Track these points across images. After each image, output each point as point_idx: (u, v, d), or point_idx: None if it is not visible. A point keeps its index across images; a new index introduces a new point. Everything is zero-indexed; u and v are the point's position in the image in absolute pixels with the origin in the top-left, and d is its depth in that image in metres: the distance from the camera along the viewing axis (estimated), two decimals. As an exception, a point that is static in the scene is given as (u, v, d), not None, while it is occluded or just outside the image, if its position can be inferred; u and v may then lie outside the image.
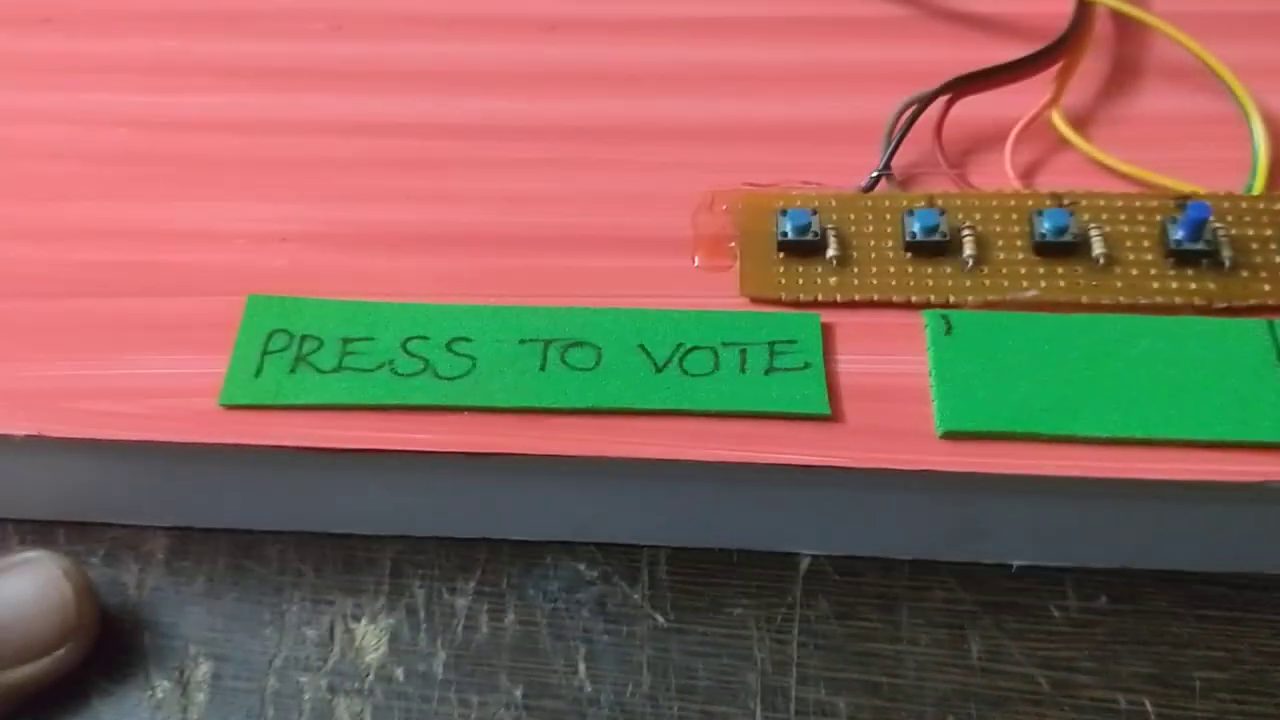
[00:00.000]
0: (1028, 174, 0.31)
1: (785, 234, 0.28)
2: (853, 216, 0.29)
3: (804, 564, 0.29)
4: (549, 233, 0.30)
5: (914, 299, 0.28)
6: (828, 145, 0.32)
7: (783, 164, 0.31)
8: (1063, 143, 0.31)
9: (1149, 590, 0.28)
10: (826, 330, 0.28)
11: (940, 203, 0.29)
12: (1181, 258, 0.28)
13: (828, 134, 0.32)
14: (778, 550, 0.29)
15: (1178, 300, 0.28)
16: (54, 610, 0.25)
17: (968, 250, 0.28)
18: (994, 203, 0.29)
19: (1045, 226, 0.28)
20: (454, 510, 0.28)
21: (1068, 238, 0.28)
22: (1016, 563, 0.28)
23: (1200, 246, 0.28)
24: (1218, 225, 0.28)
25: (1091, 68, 0.33)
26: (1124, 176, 0.30)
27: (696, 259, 0.29)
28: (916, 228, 0.28)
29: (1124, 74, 0.33)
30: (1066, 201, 0.29)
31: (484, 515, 0.28)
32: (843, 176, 0.31)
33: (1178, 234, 0.28)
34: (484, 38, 0.35)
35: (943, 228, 0.28)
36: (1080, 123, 0.32)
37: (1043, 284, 0.28)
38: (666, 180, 0.31)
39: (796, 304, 0.28)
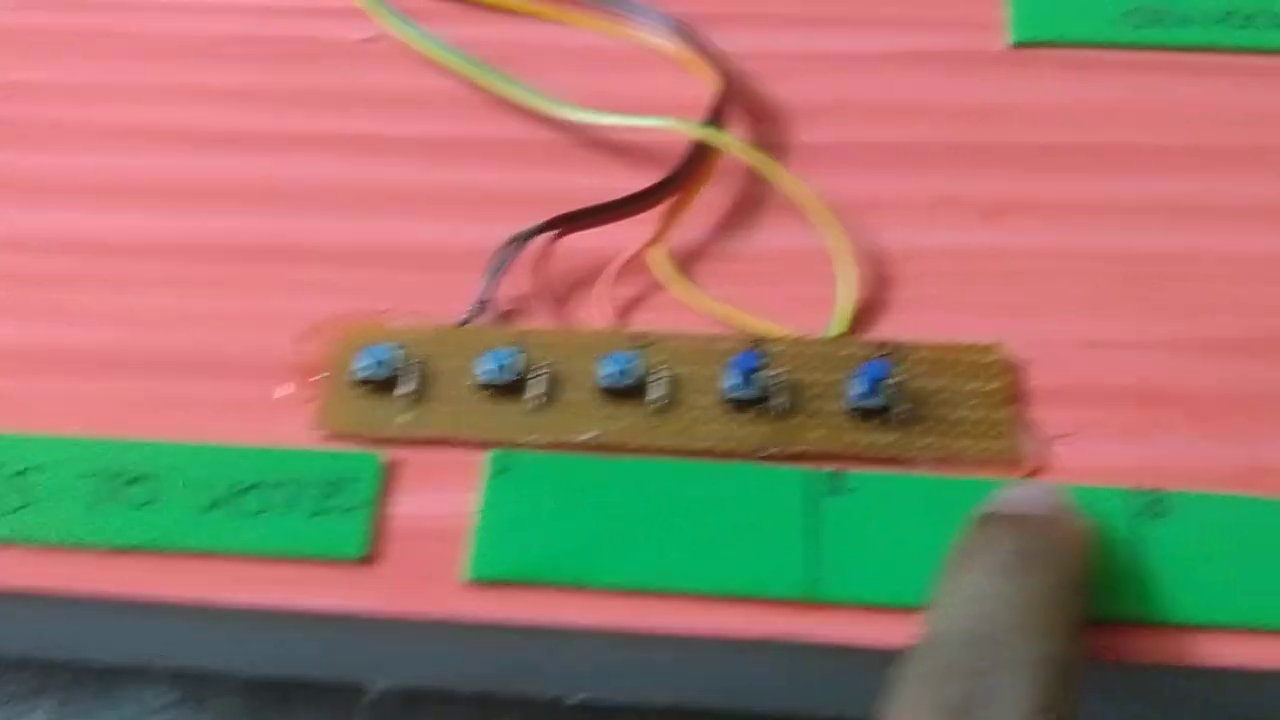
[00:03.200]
0: (629, 310, 0.31)
1: (362, 369, 0.29)
2: (439, 351, 0.30)
3: (371, 695, 0.29)
4: (142, 357, 0.31)
5: (484, 438, 0.28)
6: (449, 273, 0.32)
7: (397, 290, 0.32)
8: (661, 281, 0.31)
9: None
10: (394, 468, 0.28)
11: (522, 341, 0.30)
12: (738, 403, 0.28)
13: (443, 259, 0.32)
14: (347, 680, 0.28)
15: (730, 445, 0.28)
16: None
17: (537, 390, 0.29)
18: (574, 342, 0.30)
19: (607, 369, 0.28)
20: (23, 633, 0.28)
21: (629, 381, 0.28)
22: (576, 696, 0.28)
23: (752, 394, 0.28)
24: (779, 370, 0.28)
25: (708, 202, 0.33)
26: (717, 317, 0.30)
27: (288, 389, 0.29)
28: (488, 367, 0.28)
29: (738, 210, 0.33)
30: (642, 343, 0.30)
31: (56, 637, 0.28)
32: (461, 303, 0.31)
33: (731, 380, 0.28)
34: (117, 149, 0.35)
35: (516, 367, 0.28)
36: (690, 258, 0.32)
37: (604, 426, 0.28)
38: (274, 302, 0.31)
39: (370, 441, 0.28)
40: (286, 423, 0.29)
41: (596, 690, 0.28)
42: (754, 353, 0.28)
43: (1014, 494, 0.26)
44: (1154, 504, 0.27)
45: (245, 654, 0.29)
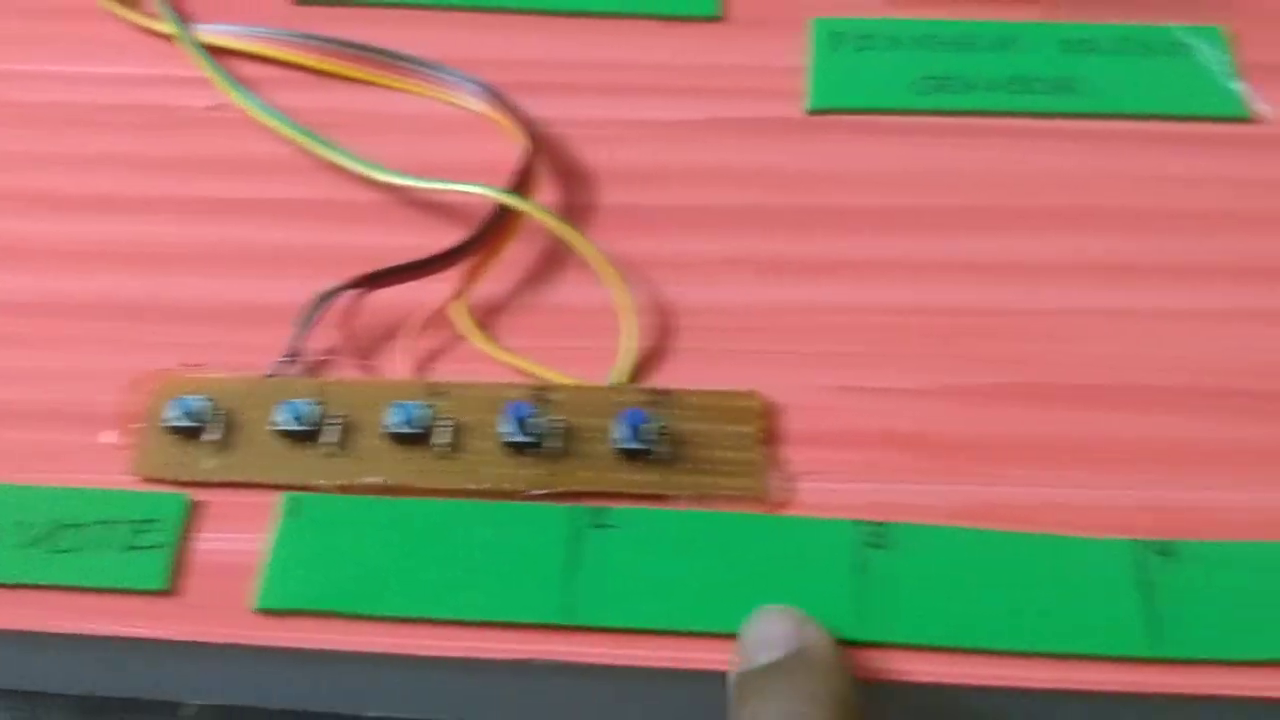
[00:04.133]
0: (431, 362, 0.34)
1: (174, 417, 0.31)
2: (245, 402, 0.33)
3: (188, 711, 0.31)
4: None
5: (279, 481, 0.31)
6: (262, 325, 0.35)
7: (219, 344, 0.35)
8: (464, 333, 0.34)
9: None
10: (198, 509, 0.31)
11: (321, 391, 0.33)
12: (515, 447, 0.31)
13: (263, 314, 0.35)
14: (160, 699, 0.31)
15: (507, 486, 0.31)
16: None
17: (331, 437, 0.31)
18: (369, 392, 0.33)
19: (394, 418, 0.31)
20: None
21: (415, 428, 0.31)
22: (372, 714, 0.31)
23: (527, 439, 0.31)
24: (557, 416, 0.31)
25: (514, 259, 0.36)
26: (509, 366, 0.33)
27: (111, 436, 0.32)
28: (284, 416, 0.31)
29: (541, 268, 0.36)
30: (433, 393, 0.33)
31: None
32: (266, 357, 0.34)
33: (507, 426, 0.31)
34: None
35: (311, 416, 0.31)
36: (494, 312, 0.35)
37: (391, 470, 0.31)
38: (104, 357, 0.34)
39: (180, 483, 0.31)
40: (108, 467, 0.32)
41: (388, 709, 0.31)
42: (526, 402, 0.31)
43: (760, 635, 0.28)
44: (878, 535, 0.30)
45: (73, 676, 0.31)
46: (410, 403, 0.31)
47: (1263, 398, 0.33)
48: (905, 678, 0.29)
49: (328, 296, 0.33)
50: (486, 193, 0.35)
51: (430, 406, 0.32)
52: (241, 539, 0.31)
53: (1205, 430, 0.32)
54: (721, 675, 0.29)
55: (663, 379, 0.33)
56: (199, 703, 0.31)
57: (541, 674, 0.29)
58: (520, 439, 0.31)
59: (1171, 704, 0.29)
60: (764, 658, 0.27)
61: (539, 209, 0.35)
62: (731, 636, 0.29)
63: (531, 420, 0.31)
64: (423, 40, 0.41)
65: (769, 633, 0.28)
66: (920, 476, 0.31)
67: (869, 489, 0.31)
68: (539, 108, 0.39)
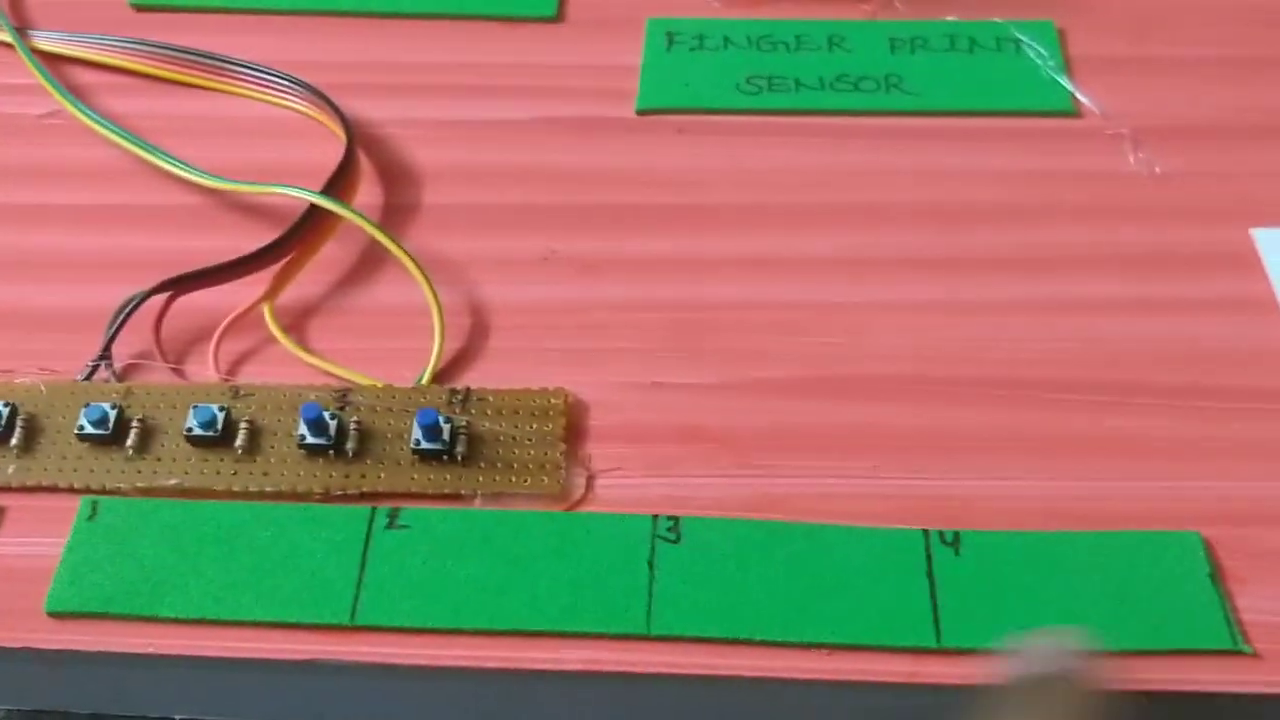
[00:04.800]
0: (239, 363, 0.34)
1: (-26, 424, 0.31)
2: (50, 407, 0.33)
3: (-3, 718, 0.31)
4: None
5: (79, 485, 0.31)
6: (78, 331, 0.35)
7: (33, 349, 0.35)
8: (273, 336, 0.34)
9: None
10: (-1, 514, 0.31)
11: (126, 395, 0.33)
12: (310, 449, 0.31)
13: (79, 320, 0.35)
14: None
15: (303, 487, 0.31)
16: None
17: (130, 440, 0.31)
18: (172, 395, 0.33)
19: (193, 420, 0.31)
20: None
21: (213, 431, 0.31)
22: (176, 717, 0.31)
23: (323, 441, 0.31)
24: (356, 418, 0.31)
25: (333, 261, 0.37)
26: (318, 369, 0.33)
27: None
28: (85, 420, 0.31)
29: (358, 269, 0.36)
30: (235, 395, 0.33)
31: None
32: (79, 363, 0.34)
33: (300, 429, 0.31)
34: None
35: (110, 421, 0.31)
36: (309, 313, 0.35)
37: (188, 473, 0.31)
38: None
39: (-22, 489, 0.31)
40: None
41: (173, 711, 0.31)
42: (316, 404, 0.31)
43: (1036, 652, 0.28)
44: (671, 530, 0.30)
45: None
46: (210, 405, 0.31)
47: (1055, 387, 0.33)
48: (695, 670, 0.29)
49: (137, 300, 0.34)
50: (299, 194, 0.35)
51: (231, 409, 0.32)
52: (40, 543, 0.31)
53: (993, 420, 0.33)
54: (510, 673, 0.29)
55: (474, 379, 0.34)
56: (5, 707, 0.31)
57: (328, 674, 0.29)
58: (315, 441, 0.31)
59: (956, 693, 0.29)
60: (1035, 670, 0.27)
61: (348, 209, 0.36)
62: (523, 634, 0.30)
63: (326, 422, 0.31)
64: (259, 45, 0.42)
65: (1045, 651, 0.28)
66: (715, 470, 0.32)
67: (665, 483, 0.31)
68: (365, 110, 0.39)
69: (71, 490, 0.31)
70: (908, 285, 0.35)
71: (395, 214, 0.37)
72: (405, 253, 0.34)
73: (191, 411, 0.31)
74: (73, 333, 0.35)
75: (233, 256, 0.35)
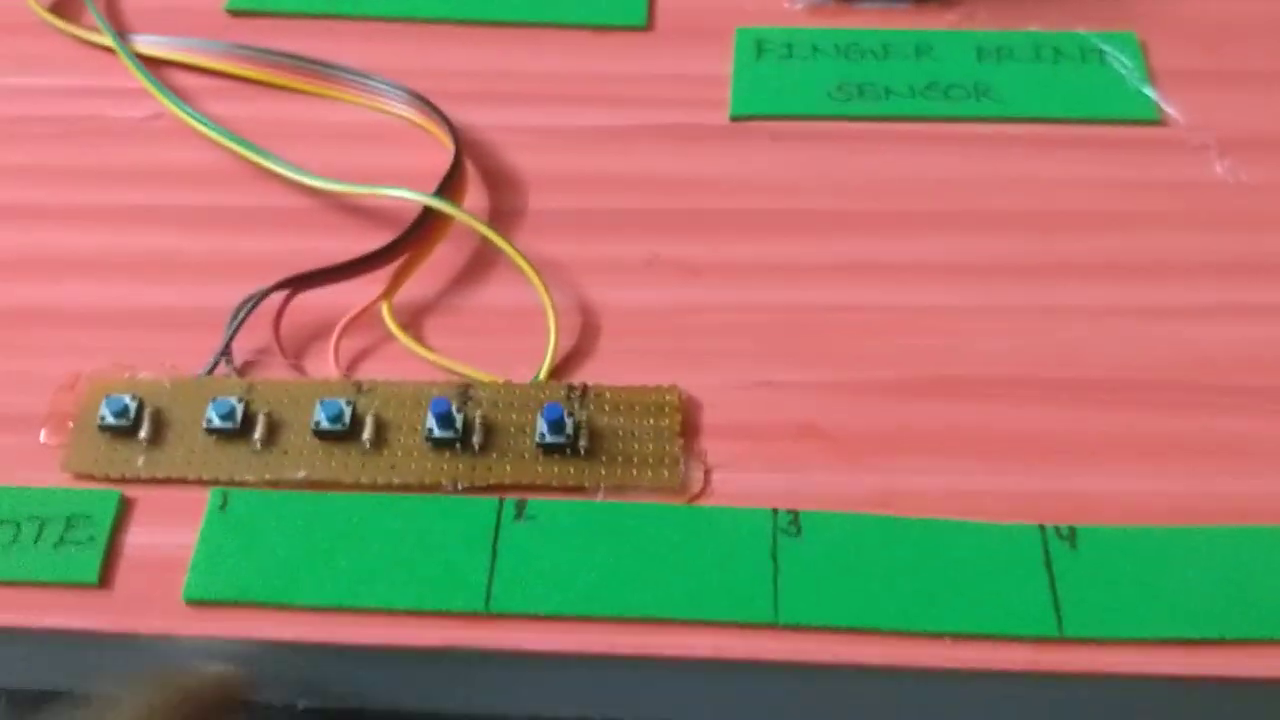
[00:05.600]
0: (357, 361, 0.35)
1: (104, 418, 0.32)
2: (176, 401, 0.34)
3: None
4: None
5: (208, 477, 0.32)
6: (195, 329, 0.36)
7: (153, 347, 0.36)
8: (391, 334, 0.35)
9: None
10: (129, 505, 0.32)
11: (250, 391, 0.34)
12: (438, 443, 0.32)
13: (196, 318, 0.36)
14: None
15: (430, 480, 0.32)
16: None
17: (257, 434, 0.32)
18: (296, 390, 0.34)
19: (320, 414, 0.32)
20: None
21: (341, 425, 0.32)
22: (301, 704, 0.32)
23: (450, 434, 0.32)
24: (480, 413, 0.32)
25: (444, 263, 0.37)
26: (435, 365, 0.34)
27: (44, 435, 0.33)
28: (213, 414, 0.32)
29: (469, 270, 0.37)
30: (359, 391, 0.34)
31: None
32: (199, 360, 0.35)
33: (429, 422, 0.32)
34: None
35: (237, 415, 0.32)
36: (422, 313, 0.36)
37: (316, 465, 0.32)
38: (40, 361, 0.35)
39: (112, 480, 0.32)
40: (42, 467, 0.33)
41: (321, 700, 0.32)
42: (446, 398, 0.32)
43: None
44: (792, 524, 0.31)
45: (6, 668, 0.32)
46: (336, 400, 0.32)
47: (1154, 389, 0.34)
48: (824, 659, 0.30)
49: (257, 298, 0.34)
50: (413, 196, 0.36)
51: (356, 404, 0.32)
52: (172, 534, 0.32)
53: (1104, 422, 0.33)
54: (642, 659, 0.30)
55: (586, 377, 0.34)
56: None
57: (464, 661, 0.30)
58: (443, 435, 0.32)
59: (1076, 682, 0.29)
60: None
61: (463, 211, 0.36)
62: (653, 622, 0.30)
63: (454, 416, 0.31)
64: (353, 51, 0.42)
65: None
66: (830, 468, 0.32)
67: (781, 479, 0.32)
68: (466, 115, 0.40)
69: (200, 482, 0.32)
70: (1002, 290, 0.36)
71: (500, 218, 0.38)
72: (518, 253, 0.35)
73: (318, 406, 0.32)
74: (190, 331, 0.36)
75: (345, 258, 0.36)
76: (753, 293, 0.36)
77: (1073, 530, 0.30)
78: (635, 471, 0.32)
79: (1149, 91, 0.40)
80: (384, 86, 0.40)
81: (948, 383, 0.34)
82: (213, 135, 0.39)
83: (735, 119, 0.40)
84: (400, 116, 0.40)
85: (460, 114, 0.40)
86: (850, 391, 0.34)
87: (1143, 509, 0.31)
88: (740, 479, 0.32)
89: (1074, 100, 0.41)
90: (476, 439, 0.32)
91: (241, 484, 0.32)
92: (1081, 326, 0.35)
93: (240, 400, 0.32)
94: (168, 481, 0.32)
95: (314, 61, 0.41)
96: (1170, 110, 0.40)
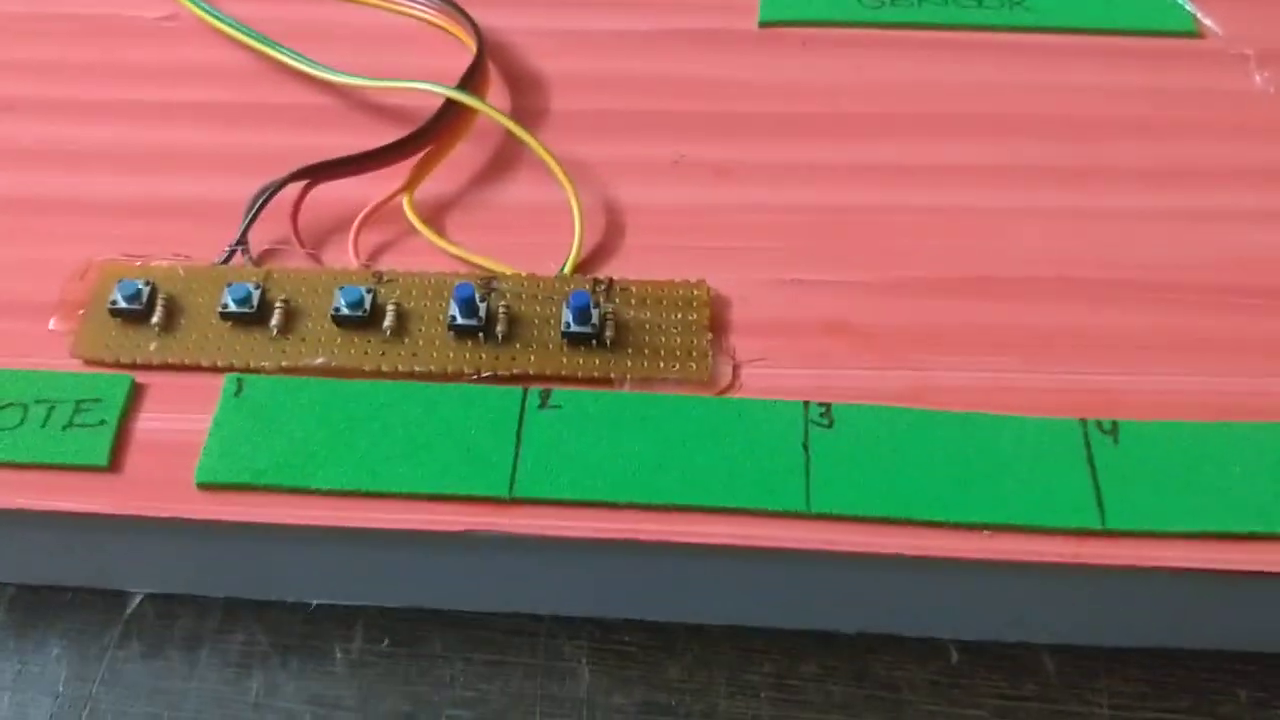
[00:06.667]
0: (377, 254, 0.34)
1: (115, 301, 0.31)
2: (191, 288, 0.33)
3: (131, 605, 0.31)
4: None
5: (222, 364, 0.31)
6: (211, 222, 0.35)
7: (167, 238, 0.35)
8: (412, 227, 0.34)
9: (428, 634, 0.31)
10: (140, 390, 0.31)
11: (267, 278, 0.33)
12: (460, 331, 0.31)
13: (212, 211, 0.35)
14: (108, 589, 0.31)
15: (452, 368, 0.31)
16: None
17: (274, 321, 0.31)
18: (315, 279, 0.33)
19: (340, 300, 0.31)
20: None
21: (360, 312, 0.31)
22: (314, 601, 0.31)
23: (473, 323, 0.31)
24: (503, 304, 0.31)
25: (467, 160, 0.36)
26: (457, 259, 0.33)
27: (54, 322, 0.32)
28: (229, 299, 0.31)
29: (492, 167, 0.36)
30: (379, 279, 0.33)
31: None
32: (214, 251, 0.34)
33: (452, 309, 0.31)
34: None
35: (253, 300, 0.31)
36: (445, 208, 0.35)
37: (335, 352, 0.31)
38: (54, 250, 0.34)
39: (123, 366, 0.31)
40: (52, 353, 0.32)
41: (334, 596, 0.31)
42: (470, 284, 0.31)
43: None
44: (823, 415, 0.30)
45: (12, 561, 0.31)
46: (356, 287, 0.31)
47: (1193, 290, 0.33)
48: (856, 548, 0.29)
49: (274, 187, 0.34)
50: (436, 89, 0.35)
51: (376, 291, 0.31)
52: (185, 419, 0.31)
53: (1143, 320, 0.33)
54: (669, 545, 0.29)
55: (611, 274, 0.33)
56: (144, 590, 0.31)
57: (487, 545, 0.29)
58: (465, 322, 0.31)
59: (1119, 576, 0.28)
60: None
61: (486, 104, 0.35)
62: (681, 509, 0.29)
63: (478, 304, 0.31)
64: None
65: None
66: (862, 363, 0.32)
67: (812, 375, 0.31)
68: (491, 18, 0.39)
69: (215, 369, 0.31)
70: (1040, 193, 0.36)
71: (524, 118, 0.37)
72: (541, 146, 0.34)
73: (338, 292, 0.31)
74: (206, 221, 0.35)
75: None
76: (782, 193, 0.35)
77: (1115, 424, 0.29)
78: (663, 364, 0.31)
79: (1185, 3, 0.39)
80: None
81: (982, 282, 0.33)
82: (230, 31, 0.38)
83: (764, 25, 0.39)
84: (421, 18, 0.39)
85: (482, 17, 0.39)
86: (882, 290, 0.33)
87: (1184, 406, 0.30)
88: (769, 374, 0.31)
89: (1110, 11, 0.40)
90: (500, 329, 0.31)
91: (257, 370, 0.31)
92: (1119, 228, 0.34)
93: (257, 286, 0.31)
94: (180, 367, 0.32)
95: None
96: (1208, 22, 0.39)
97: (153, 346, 0.31)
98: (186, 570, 0.31)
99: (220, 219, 0.34)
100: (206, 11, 0.39)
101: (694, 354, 0.31)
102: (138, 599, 0.31)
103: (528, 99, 0.38)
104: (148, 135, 0.37)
